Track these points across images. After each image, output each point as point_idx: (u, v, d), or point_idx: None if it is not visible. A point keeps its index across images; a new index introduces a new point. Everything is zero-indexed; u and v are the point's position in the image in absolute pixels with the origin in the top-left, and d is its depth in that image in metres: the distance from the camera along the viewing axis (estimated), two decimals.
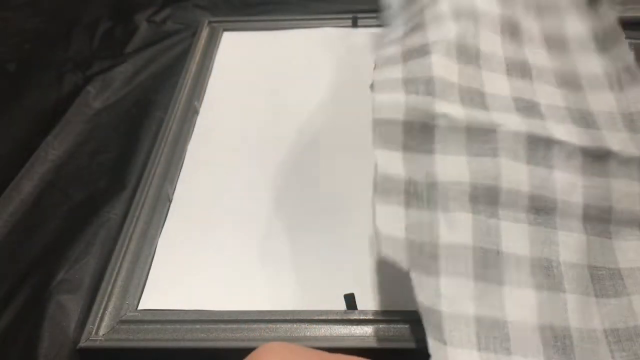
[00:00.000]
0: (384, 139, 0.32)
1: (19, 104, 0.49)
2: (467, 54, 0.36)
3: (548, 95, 0.35)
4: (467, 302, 0.28)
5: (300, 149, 0.43)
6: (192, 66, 0.50)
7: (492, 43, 0.37)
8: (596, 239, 0.31)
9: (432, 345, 0.26)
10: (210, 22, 0.56)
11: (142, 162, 0.43)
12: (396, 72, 0.34)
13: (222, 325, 0.31)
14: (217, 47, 0.53)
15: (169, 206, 0.39)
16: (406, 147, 0.32)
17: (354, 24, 0.54)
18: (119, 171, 0.42)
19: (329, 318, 0.31)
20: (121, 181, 0.41)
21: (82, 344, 0.31)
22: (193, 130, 0.45)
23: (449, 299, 0.28)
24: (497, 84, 0.35)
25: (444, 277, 0.28)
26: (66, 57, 0.54)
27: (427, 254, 0.29)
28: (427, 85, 0.33)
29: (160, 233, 0.37)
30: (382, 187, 0.31)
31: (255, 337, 0.31)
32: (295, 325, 0.31)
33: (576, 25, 0.39)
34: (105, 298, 0.33)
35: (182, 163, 0.42)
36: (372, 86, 0.34)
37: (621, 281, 0.29)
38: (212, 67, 0.51)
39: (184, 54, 0.52)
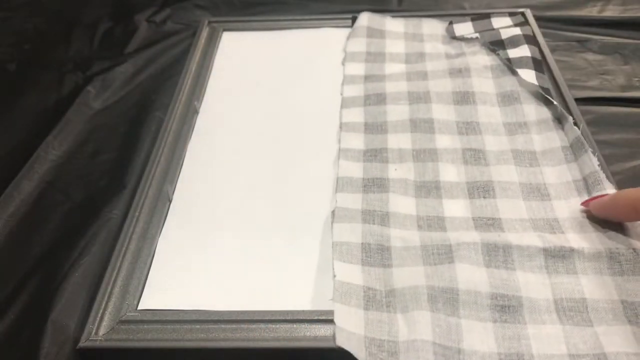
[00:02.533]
0: (343, 256, 0.34)
1: (19, 104, 0.49)
2: (427, 188, 0.38)
3: (511, 209, 0.36)
4: None
5: (300, 149, 0.43)
6: (192, 66, 0.50)
7: (452, 174, 0.39)
8: (574, 328, 0.30)
9: None
10: (210, 22, 0.56)
11: (142, 162, 0.43)
12: (356, 203, 0.37)
13: (222, 325, 0.31)
14: (217, 47, 0.53)
15: (169, 206, 0.39)
16: (365, 263, 0.34)
17: (354, 24, 0.54)
18: (119, 171, 0.42)
19: (329, 318, 0.31)
20: (121, 181, 0.41)
21: (82, 344, 0.31)
22: (193, 130, 0.45)
23: None
24: (457, 208, 0.36)
25: None
26: (66, 57, 0.54)
27: (386, 350, 0.29)
28: (383, 219, 0.36)
29: (160, 233, 0.37)
30: (341, 290, 0.32)
31: (255, 337, 0.31)
32: (295, 325, 0.31)
33: (544, 142, 0.40)
34: (105, 298, 0.33)
35: (182, 163, 0.42)
36: (333, 213, 0.36)
37: None
38: (212, 67, 0.51)
39: (184, 54, 0.52)
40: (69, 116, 0.47)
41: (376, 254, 0.34)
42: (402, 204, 0.37)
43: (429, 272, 0.32)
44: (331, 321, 0.31)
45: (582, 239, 0.33)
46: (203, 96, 0.48)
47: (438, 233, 0.35)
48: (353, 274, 0.33)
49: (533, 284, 0.32)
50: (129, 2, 0.61)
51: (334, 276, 0.32)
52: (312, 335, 0.31)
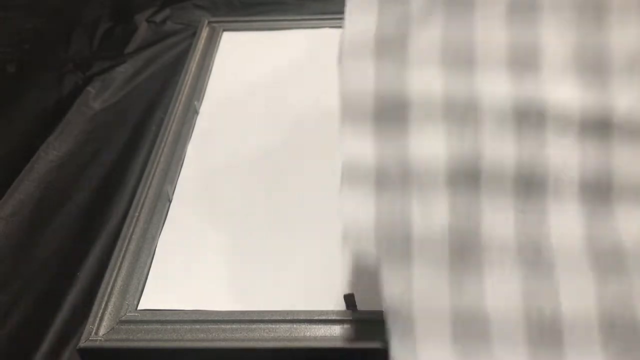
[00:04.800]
0: (352, 112, 0.29)
1: (19, 104, 0.49)
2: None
3: (556, 35, 0.29)
4: (443, 295, 0.26)
5: (299, 149, 0.43)
6: (192, 66, 0.50)
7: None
8: (595, 217, 0.28)
9: (399, 342, 0.25)
10: (210, 22, 0.56)
11: (142, 162, 0.43)
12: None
13: (222, 326, 0.31)
14: (217, 47, 0.53)
15: (169, 206, 0.39)
16: (377, 120, 0.29)
17: None
18: (119, 171, 0.42)
19: (329, 318, 0.31)
20: (121, 181, 0.42)
21: (82, 344, 0.31)
22: (193, 130, 0.45)
23: (422, 292, 0.26)
24: (493, 35, 0.30)
25: (417, 268, 0.26)
26: (66, 57, 0.54)
27: (399, 244, 0.27)
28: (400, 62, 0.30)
29: (160, 233, 0.37)
30: (350, 174, 0.28)
31: (255, 337, 0.31)
32: (295, 325, 0.31)
33: None
34: (105, 298, 0.33)
35: (182, 163, 0.42)
36: (338, 58, 0.31)
37: (624, 259, 0.26)
38: (212, 67, 0.51)
39: (184, 54, 0.53)
40: (69, 116, 0.47)
41: (391, 111, 0.29)
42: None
43: (451, 150, 0.28)
44: (332, 321, 0.31)
45: (625, 94, 0.29)
46: (203, 96, 0.48)
47: (464, 78, 0.29)
48: (363, 144, 0.29)
49: (562, 163, 0.28)
50: (129, 2, 0.61)
51: (342, 150, 0.29)
52: (312, 335, 0.31)
